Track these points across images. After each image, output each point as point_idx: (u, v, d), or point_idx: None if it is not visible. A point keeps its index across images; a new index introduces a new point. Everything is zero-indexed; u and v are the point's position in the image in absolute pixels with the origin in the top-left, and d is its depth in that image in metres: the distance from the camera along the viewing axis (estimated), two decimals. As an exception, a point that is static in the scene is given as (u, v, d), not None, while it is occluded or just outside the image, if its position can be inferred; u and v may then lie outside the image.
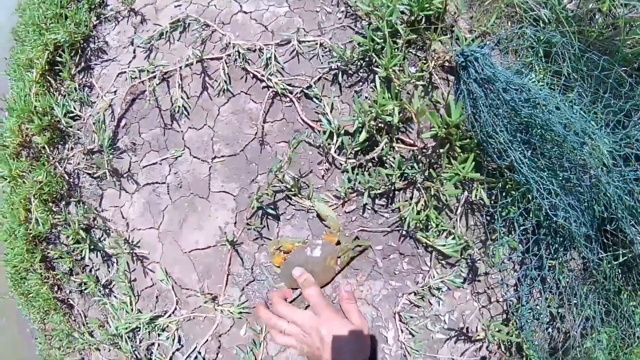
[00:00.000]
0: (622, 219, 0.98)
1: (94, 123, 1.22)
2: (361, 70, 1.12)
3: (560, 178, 0.98)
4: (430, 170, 1.00)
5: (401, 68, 1.04)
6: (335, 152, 1.05)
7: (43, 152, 1.29)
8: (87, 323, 1.30)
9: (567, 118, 0.96)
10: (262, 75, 1.14)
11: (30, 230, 1.26)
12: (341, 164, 1.06)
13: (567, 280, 1.08)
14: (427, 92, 1.10)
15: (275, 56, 1.13)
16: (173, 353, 1.14)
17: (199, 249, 1.13)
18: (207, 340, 1.12)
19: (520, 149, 0.98)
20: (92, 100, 1.28)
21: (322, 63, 1.14)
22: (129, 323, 1.15)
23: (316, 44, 1.15)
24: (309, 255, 0.99)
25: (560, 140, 0.95)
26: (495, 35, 1.16)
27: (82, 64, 1.31)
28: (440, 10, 1.12)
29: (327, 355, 0.63)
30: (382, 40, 1.06)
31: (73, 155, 1.25)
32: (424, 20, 1.12)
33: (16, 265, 1.37)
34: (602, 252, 1.05)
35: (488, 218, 1.07)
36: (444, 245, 1.03)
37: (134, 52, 1.27)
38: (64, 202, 1.27)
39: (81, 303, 1.32)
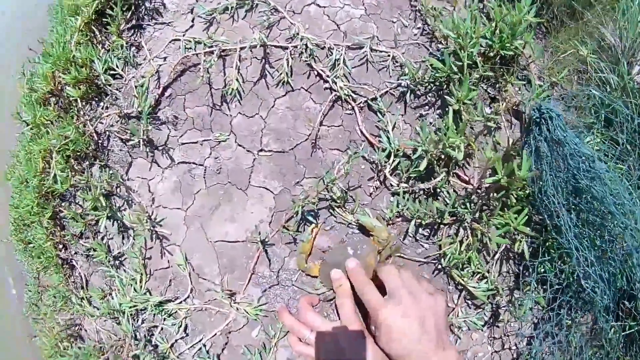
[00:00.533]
0: (639, 297, 1.01)
1: (135, 86, 1.14)
2: (430, 94, 1.09)
3: (597, 248, 1.00)
4: (482, 213, 0.98)
5: (474, 104, 1.01)
6: (389, 172, 1.02)
7: (74, 105, 1.20)
8: (87, 289, 1.24)
9: (618, 192, 0.97)
10: (327, 76, 1.09)
11: (44, 183, 1.18)
12: (392, 186, 1.04)
13: (577, 341, 1.11)
14: (490, 132, 1.08)
15: (344, 59, 1.08)
16: (176, 340, 1.10)
17: (226, 241, 1.08)
18: (216, 334, 1.08)
19: (569, 213, 0.99)
20: (137, 62, 1.19)
21: (390, 77, 1.10)
22: (136, 302, 1.10)
23: (388, 55, 1.11)
24: (350, 254, 0.93)
25: (606, 212, 0.96)
26: (564, 90, 1.15)
27: (133, 21, 1.21)
28: (518, 52, 1.10)
29: None
30: (457, 69, 1.03)
31: (107, 116, 1.17)
32: (499, 58, 1.10)
33: (21, 214, 1.29)
34: (613, 321, 1.08)
35: (521, 269, 1.07)
36: (475, 287, 1.03)
37: (192, 22, 1.19)
38: (87, 163, 1.19)
39: (85, 267, 1.25)
